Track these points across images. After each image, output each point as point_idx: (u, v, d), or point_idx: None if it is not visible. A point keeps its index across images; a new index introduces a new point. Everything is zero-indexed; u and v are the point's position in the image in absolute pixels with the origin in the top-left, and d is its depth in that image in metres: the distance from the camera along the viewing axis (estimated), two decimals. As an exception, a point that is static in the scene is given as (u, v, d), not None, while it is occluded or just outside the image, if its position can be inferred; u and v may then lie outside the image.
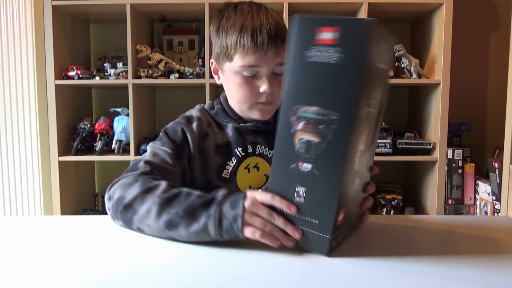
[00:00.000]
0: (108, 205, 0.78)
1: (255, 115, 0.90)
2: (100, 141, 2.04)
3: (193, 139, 0.90)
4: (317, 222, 0.60)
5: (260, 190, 0.67)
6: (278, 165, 0.63)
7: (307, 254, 0.61)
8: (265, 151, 0.93)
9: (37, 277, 0.54)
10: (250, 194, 0.66)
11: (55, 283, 0.51)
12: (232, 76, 0.87)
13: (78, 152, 2.06)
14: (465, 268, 0.55)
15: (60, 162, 2.01)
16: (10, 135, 2.21)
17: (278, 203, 0.63)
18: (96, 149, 2.04)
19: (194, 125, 0.92)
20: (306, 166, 0.60)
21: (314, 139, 0.59)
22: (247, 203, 0.64)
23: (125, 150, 2.07)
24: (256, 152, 0.93)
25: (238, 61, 0.84)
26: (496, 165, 1.97)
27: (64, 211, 2.06)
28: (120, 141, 2.05)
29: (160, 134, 0.92)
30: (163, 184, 0.74)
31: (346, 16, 2.11)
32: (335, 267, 0.56)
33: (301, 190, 0.61)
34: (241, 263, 0.59)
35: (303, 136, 0.60)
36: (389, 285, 0.51)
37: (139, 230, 0.73)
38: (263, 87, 0.85)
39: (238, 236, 0.64)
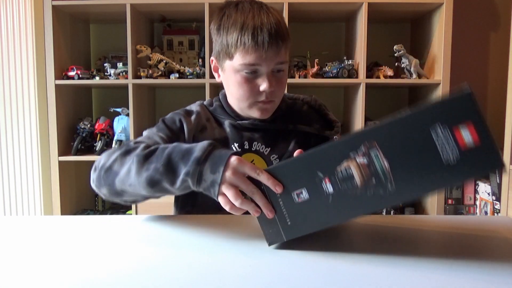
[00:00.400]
0: (92, 176, 0.79)
1: (254, 113, 0.90)
2: (100, 141, 2.05)
3: (190, 130, 0.91)
4: (289, 223, 0.61)
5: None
6: (308, 160, 0.59)
7: (307, 253, 0.61)
8: (262, 148, 0.93)
9: (37, 277, 0.54)
10: (234, 162, 0.63)
11: (55, 283, 0.51)
12: (232, 74, 0.87)
13: (78, 152, 2.06)
14: (465, 268, 0.55)
15: (60, 162, 2.01)
16: (10, 135, 2.21)
17: (265, 179, 0.61)
18: (96, 149, 2.04)
19: (193, 117, 0.93)
20: (328, 187, 0.58)
21: (358, 181, 0.56)
22: (227, 173, 0.63)
23: (125, 150, 2.07)
24: (253, 149, 0.93)
25: (238, 59, 0.84)
26: (496, 165, 1.96)
27: (64, 211, 2.06)
28: (120, 141, 2.05)
29: (158, 122, 0.93)
30: (142, 144, 0.75)
31: (347, 16, 2.08)
32: (334, 267, 0.56)
33: (304, 195, 0.59)
34: (239, 262, 0.59)
35: (353, 168, 0.56)
36: (389, 285, 0.51)
37: (123, 192, 0.74)
38: (263, 85, 0.85)
39: (214, 198, 0.65)
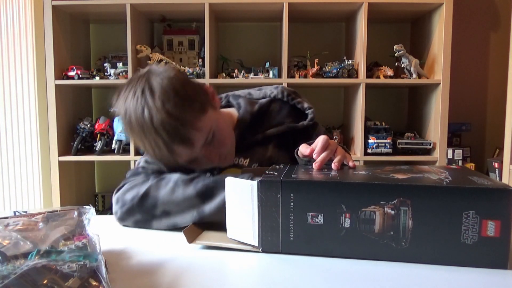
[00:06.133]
0: (115, 208, 0.78)
1: None
2: (100, 141, 2.04)
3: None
4: (292, 239, 0.60)
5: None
6: (337, 190, 0.58)
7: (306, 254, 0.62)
8: (241, 161, 0.90)
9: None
10: None
11: (55, 283, 0.51)
12: None
13: (78, 152, 2.06)
14: (465, 268, 0.55)
15: (60, 162, 2.01)
16: (10, 135, 2.21)
17: None
18: (96, 149, 2.04)
19: None
20: (346, 222, 0.57)
21: (376, 227, 0.56)
22: None
23: (125, 150, 2.07)
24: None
25: None
26: (496, 165, 1.97)
27: (64, 211, 2.06)
28: (120, 141, 2.05)
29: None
30: (176, 174, 0.77)
31: (347, 16, 2.07)
32: (333, 267, 0.56)
33: (319, 220, 0.58)
34: (239, 261, 0.59)
35: (377, 215, 0.56)
36: (388, 285, 0.51)
37: (165, 214, 0.74)
38: (205, 165, 0.83)
39: None
